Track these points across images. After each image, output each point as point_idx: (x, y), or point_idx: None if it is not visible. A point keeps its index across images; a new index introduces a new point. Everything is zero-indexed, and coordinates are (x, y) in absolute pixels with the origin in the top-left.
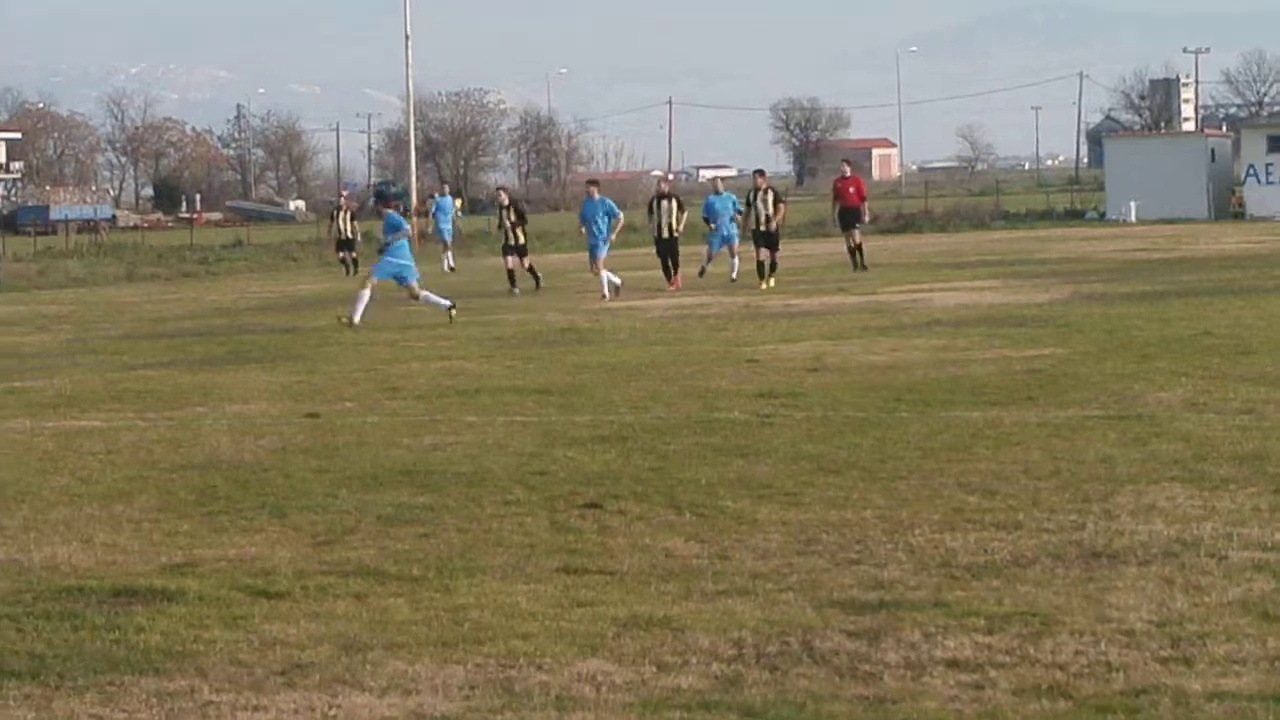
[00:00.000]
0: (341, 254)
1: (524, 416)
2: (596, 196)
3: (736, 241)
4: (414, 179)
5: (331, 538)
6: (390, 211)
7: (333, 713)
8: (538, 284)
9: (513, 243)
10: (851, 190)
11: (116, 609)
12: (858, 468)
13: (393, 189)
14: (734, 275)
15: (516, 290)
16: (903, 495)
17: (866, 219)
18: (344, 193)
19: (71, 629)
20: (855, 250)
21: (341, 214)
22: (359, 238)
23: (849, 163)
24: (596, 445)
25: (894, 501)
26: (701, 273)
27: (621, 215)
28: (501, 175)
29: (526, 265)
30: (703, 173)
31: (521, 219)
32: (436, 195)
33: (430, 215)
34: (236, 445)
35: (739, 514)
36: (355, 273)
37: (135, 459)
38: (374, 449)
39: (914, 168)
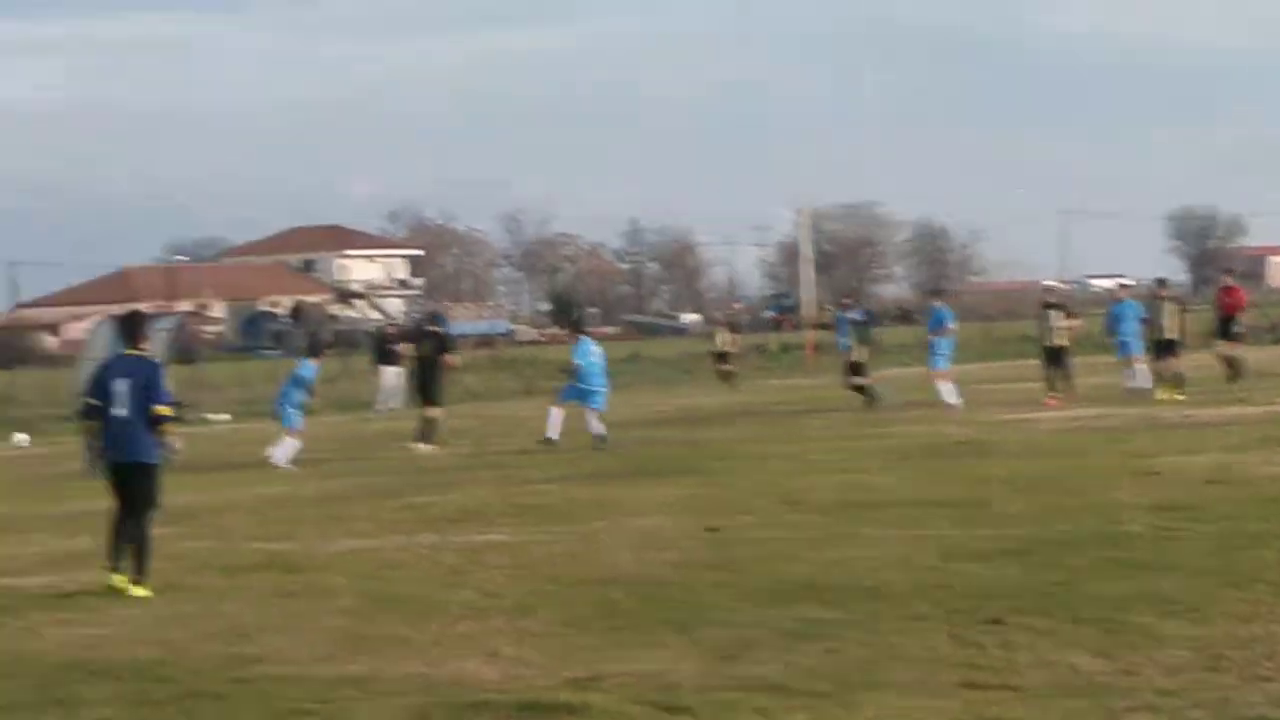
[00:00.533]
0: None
1: (924, 530)
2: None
3: (1136, 352)
4: (812, 288)
5: (734, 652)
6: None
7: None
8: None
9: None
10: (1228, 300)
11: None
12: (1264, 581)
13: (787, 301)
14: (1131, 384)
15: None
16: None
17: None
18: (736, 305)
19: None
20: (1227, 360)
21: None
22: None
23: (1230, 273)
24: (998, 559)
25: None
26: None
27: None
28: (895, 287)
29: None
30: (1094, 282)
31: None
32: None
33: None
34: (638, 559)
35: (1144, 629)
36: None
37: (538, 573)
38: (775, 563)
39: None
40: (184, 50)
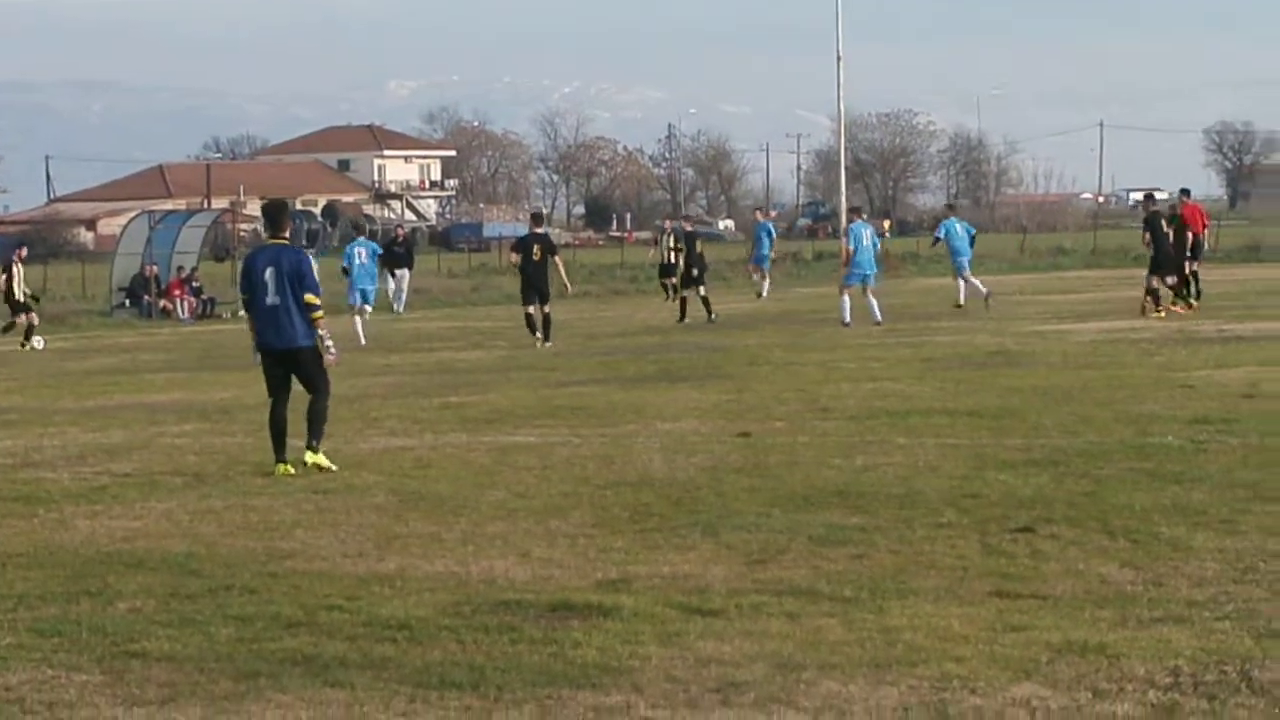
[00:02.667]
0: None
1: (955, 439)
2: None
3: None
4: (844, 199)
5: (764, 557)
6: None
7: None
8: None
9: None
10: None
11: (553, 623)
12: None
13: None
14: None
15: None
16: None
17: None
18: (773, 213)
19: (510, 642)
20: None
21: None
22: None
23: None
24: (1028, 469)
25: None
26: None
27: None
28: (930, 196)
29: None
30: (1133, 195)
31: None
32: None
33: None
34: (668, 463)
35: (1174, 540)
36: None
37: (569, 475)
38: (805, 469)
39: None
40: None
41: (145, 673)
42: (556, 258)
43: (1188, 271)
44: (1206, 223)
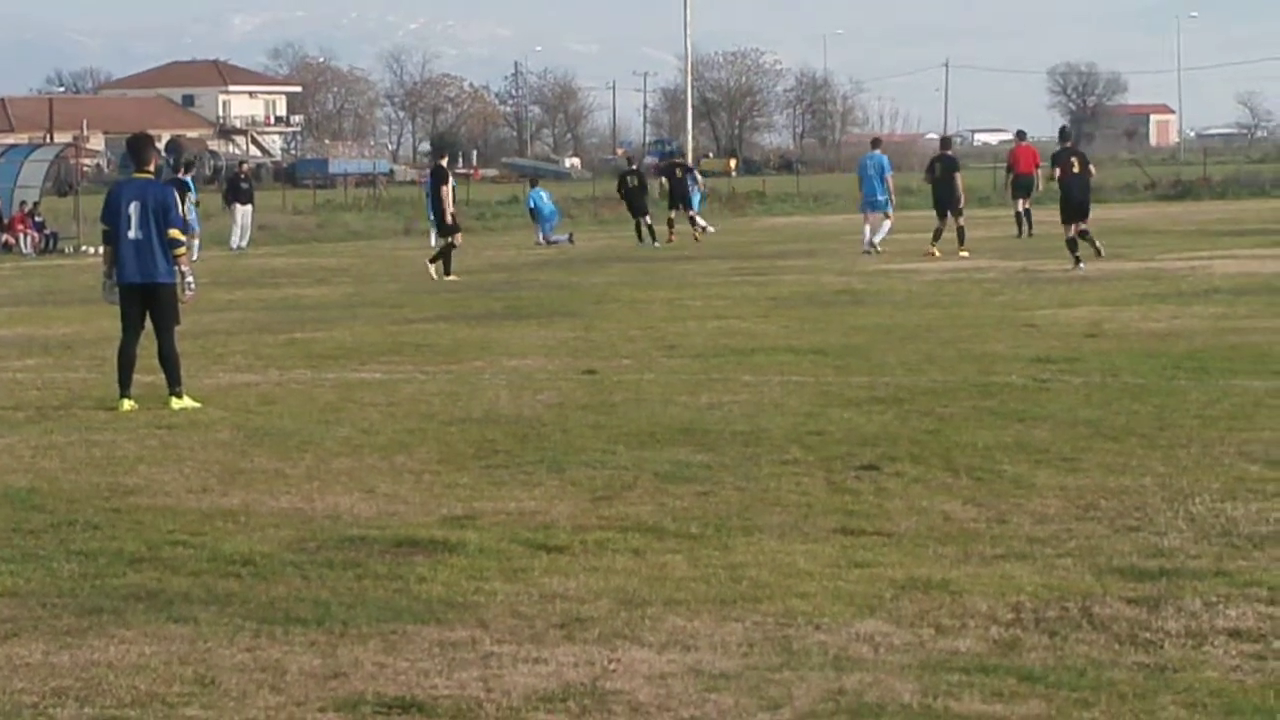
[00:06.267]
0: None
1: (800, 377)
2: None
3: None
4: (690, 138)
5: (610, 493)
6: None
7: (612, 667)
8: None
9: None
10: (1024, 158)
11: (398, 559)
12: (1136, 434)
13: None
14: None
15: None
16: (1182, 463)
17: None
18: (620, 150)
19: (355, 578)
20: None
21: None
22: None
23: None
24: (873, 407)
25: (1174, 469)
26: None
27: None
28: (776, 136)
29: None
30: (978, 136)
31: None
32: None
33: None
34: (515, 400)
35: (1016, 478)
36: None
37: (415, 411)
38: (651, 406)
39: (1192, 134)
40: None
41: None
42: (444, 188)
43: (1020, 209)
44: (1038, 163)
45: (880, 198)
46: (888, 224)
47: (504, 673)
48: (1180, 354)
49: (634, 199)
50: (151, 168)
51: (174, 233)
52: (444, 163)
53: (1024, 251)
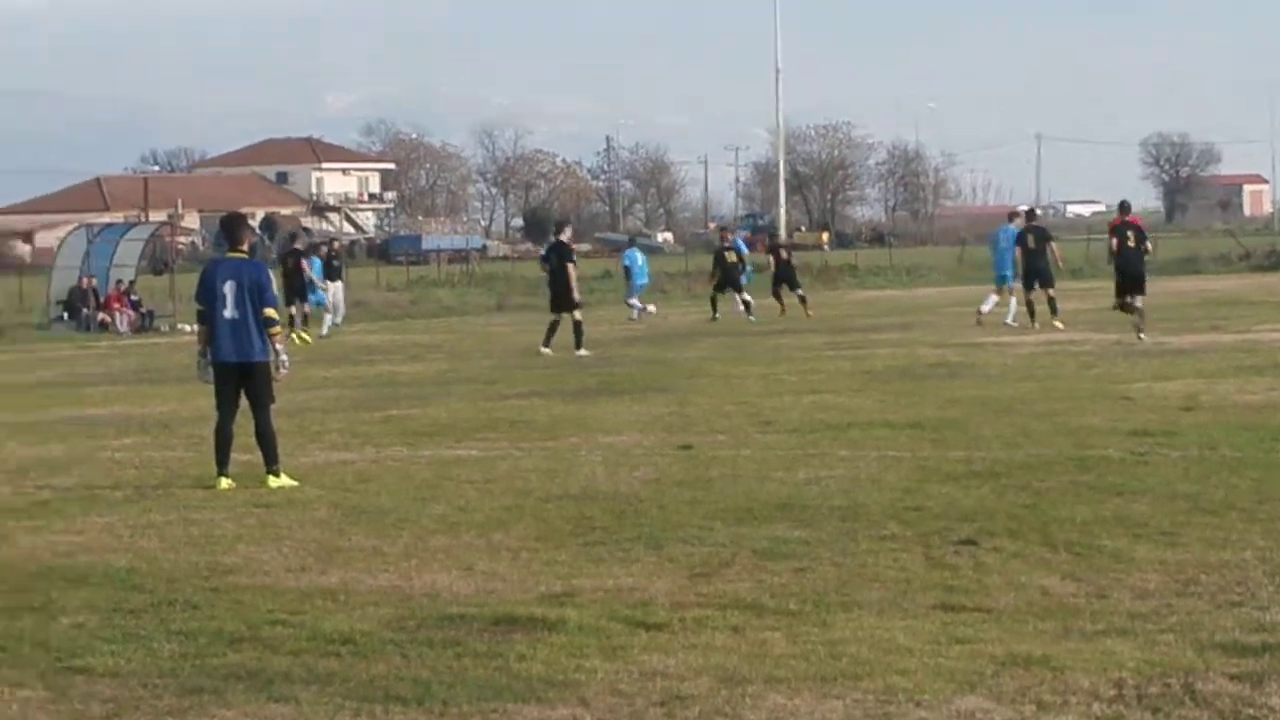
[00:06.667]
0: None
1: (896, 451)
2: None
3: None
4: (783, 212)
5: (708, 570)
6: None
7: None
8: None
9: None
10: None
11: (498, 637)
12: (1236, 508)
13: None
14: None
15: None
16: None
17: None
18: (711, 224)
19: (454, 656)
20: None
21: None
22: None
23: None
24: (970, 481)
25: (1275, 543)
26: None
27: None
28: (868, 209)
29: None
30: (1070, 207)
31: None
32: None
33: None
34: (611, 476)
35: (1116, 553)
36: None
37: (511, 488)
38: (748, 482)
39: None
40: None
41: (89, 689)
42: (570, 265)
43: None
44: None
45: (1006, 271)
46: (999, 297)
47: None
48: (1278, 426)
49: (729, 273)
50: (245, 246)
51: (269, 311)
52: (565, 238)
53: (1119, 324)
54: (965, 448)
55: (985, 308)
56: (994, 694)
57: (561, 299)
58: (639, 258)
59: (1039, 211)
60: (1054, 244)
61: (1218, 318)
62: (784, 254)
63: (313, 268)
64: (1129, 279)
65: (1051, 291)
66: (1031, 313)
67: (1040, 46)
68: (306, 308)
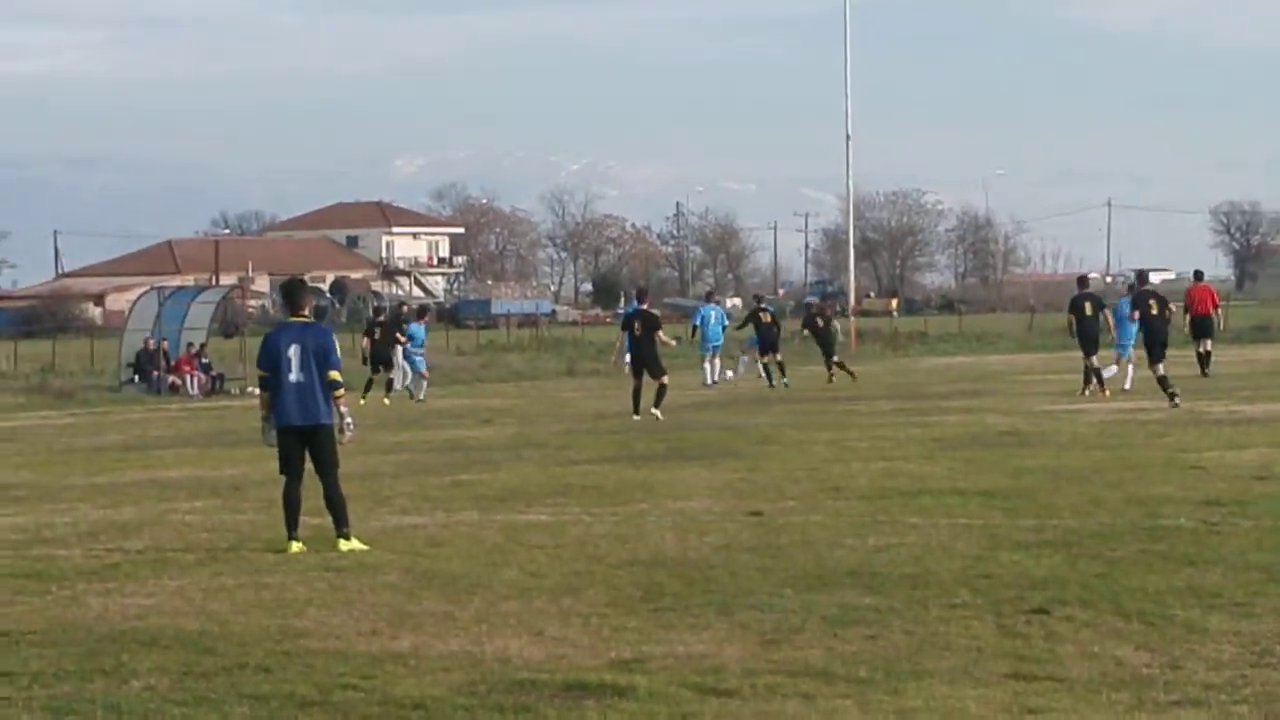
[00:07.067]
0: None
1: (967, 519)
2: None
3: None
4: (852, 278)
5: (778, 637)
6: None
7: None
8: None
9: None
10: (1201, 298)
11: (569, 703)
12: None
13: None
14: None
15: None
16: None
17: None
18: (780, 292)
19: None
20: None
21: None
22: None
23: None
24: (1041, 550)
25: None
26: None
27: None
28: (938, 275)
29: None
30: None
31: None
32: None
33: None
34: (681, 542)
35: (1189, 623)
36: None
37: (582, 554)
38: (818, 548)
39: None
40: (224, 23)
41: None
42: (659, 333)
43: (1201, 351)
44: (1217, 302)
45: (1125, 341)
46: (1112, 368)
47: None
48: None
49: (768, 336)
50: (307, 311)
51: (334, 374)
52: (646, 307)
53: (1192, 393)
54: (1036, 516)
55: (1107, 374)
56: None
57: (652, 366)
58: (713, 316)
59: (1120, 280)
60: (1108, 311)
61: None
62: (819, 322)
63: (414, 337)
64: (1161, 346)
65: (1096, 361)
66: (1097, 378)
67: (1112, 115)
68: (393, 374)
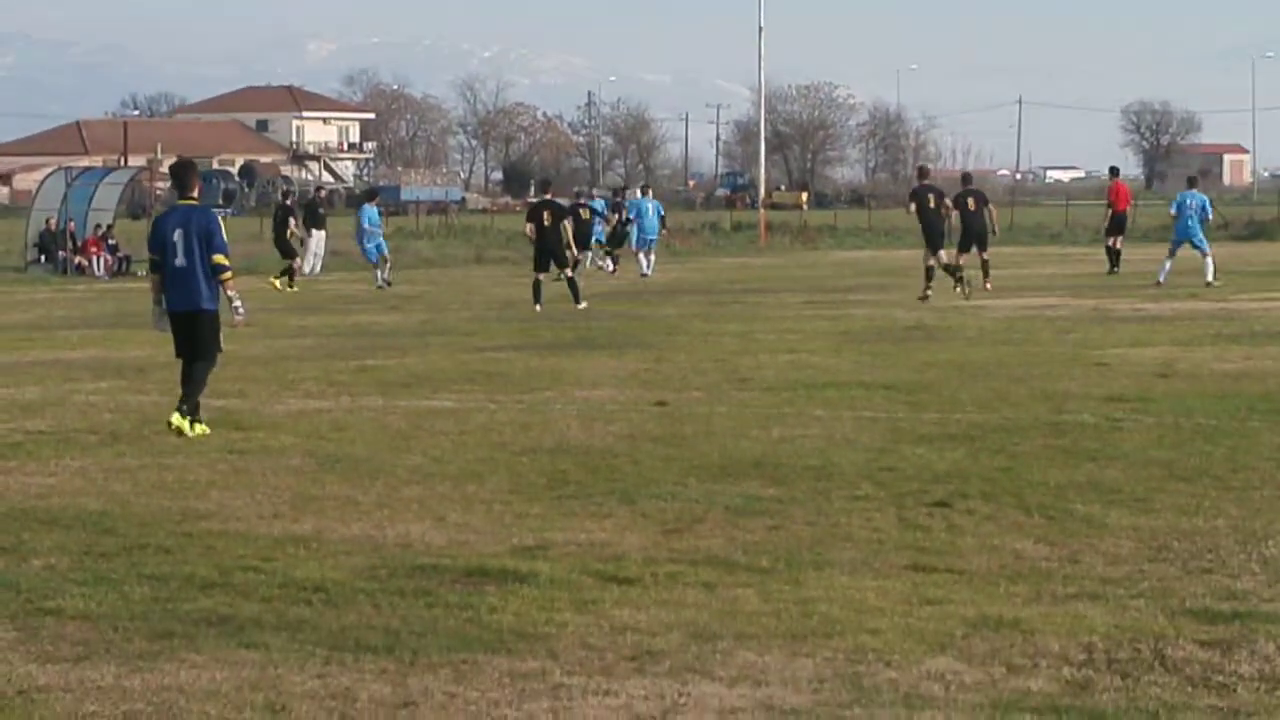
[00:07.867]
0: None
1: (871, 412)
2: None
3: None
4: (763, 171)
5: (680, 526)
6: None
7: (682, 701)
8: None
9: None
10: (1122, 195)
11: (469, 588)
12: (1209, 475)
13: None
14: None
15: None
16: (1256, 505)
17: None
18: (691, 183)
19: (425, 606)
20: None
21: None
22: None
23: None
24: (944, 443)
25: (1247, 511)
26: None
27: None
28: (848, 170)
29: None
30: (1050, 173)
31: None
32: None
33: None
34: (586, 430)
35: (1088, 518)
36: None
37: (486, 440)
38: (722, 439)
39: (1266, 174)
40: None
41: (59, 630)
42: (564, 223)
43: (1116, 246)
44: (1131, 200)
45: (1198, 237)
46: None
47: (574, 705)
48: (1254, 395)
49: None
50: (195, 194)
51: (218, 258)
52: (550, 197)
53: (1096, 290)
54: (940, 410)
55: (1162, 278)
56: (964, 655)
57: (559, 257)
58: (649, 206)
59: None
60: (992, 207)
61: (1195, 286)
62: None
63: (366, 218)
64: (976, 237)
65: (986, 255)
66: (959, 276)
67: (1025, 11)
68: (297, 262)
